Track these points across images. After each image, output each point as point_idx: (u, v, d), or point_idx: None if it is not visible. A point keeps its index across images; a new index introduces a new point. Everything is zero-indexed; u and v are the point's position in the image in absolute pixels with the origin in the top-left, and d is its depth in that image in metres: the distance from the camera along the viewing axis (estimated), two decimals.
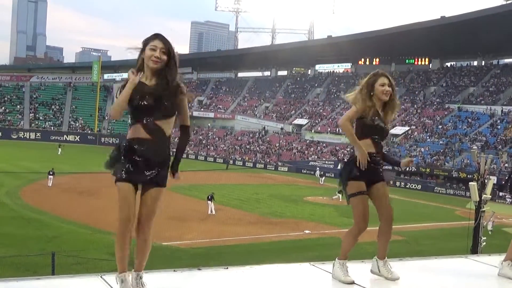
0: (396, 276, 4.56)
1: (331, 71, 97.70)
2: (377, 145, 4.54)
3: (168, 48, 3.75)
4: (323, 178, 56.14)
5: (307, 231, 29.87)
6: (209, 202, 33.23)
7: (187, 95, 3.89)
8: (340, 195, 40.59)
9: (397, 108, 4.67)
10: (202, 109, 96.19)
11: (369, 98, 4.46)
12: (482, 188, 20.63)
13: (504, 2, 69.53)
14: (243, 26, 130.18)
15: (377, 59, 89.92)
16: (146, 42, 3.77)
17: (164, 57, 3.74)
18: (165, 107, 3.76)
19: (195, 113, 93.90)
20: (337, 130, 75.68)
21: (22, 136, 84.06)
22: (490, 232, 30.52)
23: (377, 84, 4.48)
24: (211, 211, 32.99)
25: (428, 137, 67.97)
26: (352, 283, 4.45)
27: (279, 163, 71.37)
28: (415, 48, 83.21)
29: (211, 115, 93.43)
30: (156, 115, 3.75)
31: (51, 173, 39.81)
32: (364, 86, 4.51)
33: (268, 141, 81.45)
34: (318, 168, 64.16)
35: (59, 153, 65.73)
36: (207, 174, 54.23)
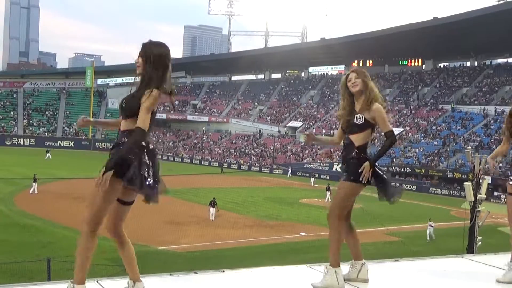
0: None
1: (325, 73, 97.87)
2: (344, 140, 4.59)
3: (144, 52, 3.76)
4: (313, 179, 56.34)
5: (303, 233, 29.88)
6: (211, 207, 32.49)
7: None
8: (329, 193, 41.24)
9: (369, 99, 4.44)
10: (196, 113, 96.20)
11: (347, 98, 4.56)
12: (477, 188, 20.68)
13: (496, 3, 69.84)
14: (236, 30, 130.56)
15: (371, 61, 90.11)
16: None
17: (140, 60, 3.77)
18: (123, 107, 3.80)
19: (190, 117, 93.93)
20: (332, 132, 75.82)
21: (16, 143, 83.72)
22: (429, 239, 30.05)
23: (348, 83, 4.56)
24: (211, 217, 32.19)
25: (422, 138, 68.15)
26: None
27: (274, 166, 71.39)
28: (408, 50, 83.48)
29: (205, 119, 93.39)
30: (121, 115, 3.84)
31: (34, 179, 39.09)
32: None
33: (262, 144, 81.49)
34: (290, 168, 66.68)
35: (46, 158, 65.65)
36: (202, 178, 54.19)
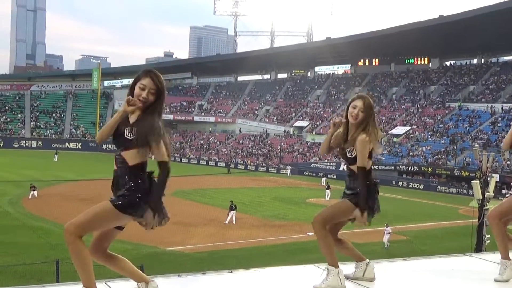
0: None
1: (331, 72, 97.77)
2: (346, 170, 4.53)
3: (157, 89, 3.64)
4: (324, 179, 56.26)
5: (310, 233, 29.75)
6: (231, 212, 31.92)
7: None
8: (329, 191, 41.41)
9: (360, 139, 4.28)
10: (203, 114, 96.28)
11: (345, 120, 4.45)
12: (484, 186, 20.63)
13: (502, 0, 69.56)
14: (242, 30, 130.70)
15: (377, 60, 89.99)
16: (137, 78, 3.68)
17: (152, 98, 3.63)
18: (125, 138, 3.64)
19: (196, 118, 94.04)
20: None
21: (24, 145, 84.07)
22: (386, 247, 27.08)
23: (351, 106, 4.41)
24: (232, 221, 31.69)
25: (429, 136, 67.94)
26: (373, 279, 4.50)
27: (281, 166, 71.32)
28: (414, 48, 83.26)
29: (212, 119, 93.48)
30: (120, 146, 3.69)
31: (33, 188, 37.93)
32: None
33: (269, 144, 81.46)
34: (289, 168, 67.95)
35: (55, 159, 65.97)
36: (209, 179, 54.23)
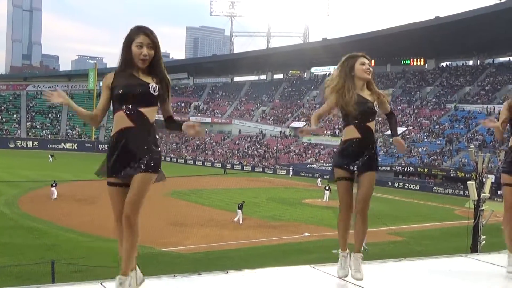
0: (359, 276, 4.38)
1: (327, 73, 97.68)
2: (361, 129, 4.40)
3: (154, 42, 3.68)
4: (320, 179, 56.26)
5: (306, 234, 29.83)
6: (239, 210, 32.23)
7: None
8: (328, 192, 41.27)
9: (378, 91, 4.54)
10: (199, 114, 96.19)
11: (350, 80, 4.39)
12: (480, 187, 20.62)
13: (498, 1, 69.72)
14: (238, 31, 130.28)
15: (373, 61, 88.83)
16: (131, 38, 3.68)
17: (152, 52, 3.68)
18: (151, 95, 3.70)
19: (192, 118, 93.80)
20: (335, 132, 75.80)
21: (20, 145, 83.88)
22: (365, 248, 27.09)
23: (357, 64, 4.40)
24: (239, 220, 32.00)
25: (425, 137, 68.06)
26: (344, 276, 4.47)
27: (277, 166, 71.35)
28: (410, 49, 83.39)
29: (208, 120, 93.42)
30: (140, 103, 3.71)
31: (54, 184, 37.83)
32: (342, 70, 4.43)
33: (265, 145, 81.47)
34: (290, 168, 67.56)
35: (50, 160, 65.80)
36: (205, 179, 54.17)
